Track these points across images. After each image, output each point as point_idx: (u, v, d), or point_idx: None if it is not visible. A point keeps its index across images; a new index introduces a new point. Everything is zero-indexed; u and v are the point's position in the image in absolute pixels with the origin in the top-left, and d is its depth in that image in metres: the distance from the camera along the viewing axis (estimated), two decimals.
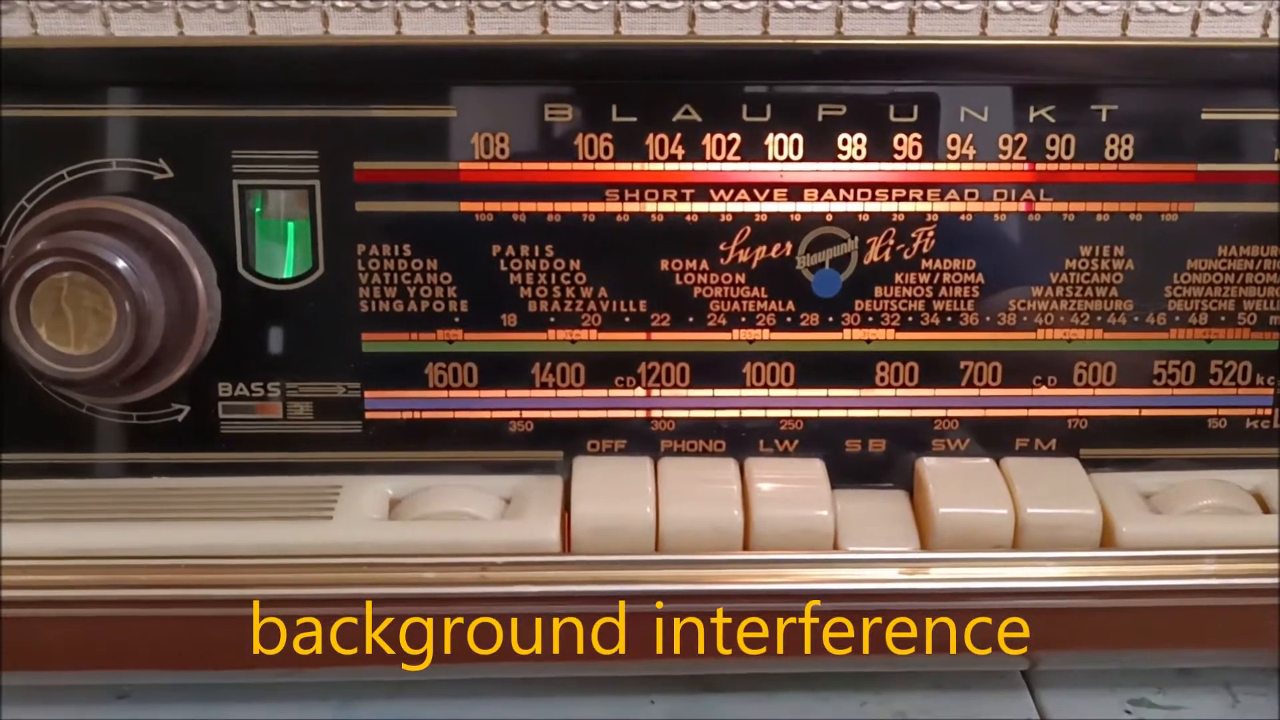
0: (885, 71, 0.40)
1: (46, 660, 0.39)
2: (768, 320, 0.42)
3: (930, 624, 0.40)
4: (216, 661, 0.40)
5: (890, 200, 0.41)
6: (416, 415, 0.42)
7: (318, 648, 0.39)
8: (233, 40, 0.39)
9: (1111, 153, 0.41)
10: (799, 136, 0.40)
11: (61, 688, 0.42)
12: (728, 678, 0.42)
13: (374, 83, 0.39)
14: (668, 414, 0.42)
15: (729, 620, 0.39)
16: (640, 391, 0.42)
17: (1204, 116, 0.41)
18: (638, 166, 0.40)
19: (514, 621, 0.39)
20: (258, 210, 0.40)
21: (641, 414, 0.42)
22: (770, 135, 0.40)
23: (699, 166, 0.40)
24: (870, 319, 0.42)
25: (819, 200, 0.41)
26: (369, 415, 0.42)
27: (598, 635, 0.39)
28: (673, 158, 0.40)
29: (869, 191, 0.41)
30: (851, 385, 0.42)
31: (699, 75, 0.40)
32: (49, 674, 0.40)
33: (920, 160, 0.41)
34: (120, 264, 0.37)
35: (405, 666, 0.40)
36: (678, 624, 0.39)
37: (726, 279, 0.41)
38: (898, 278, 0.41)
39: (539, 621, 0.39)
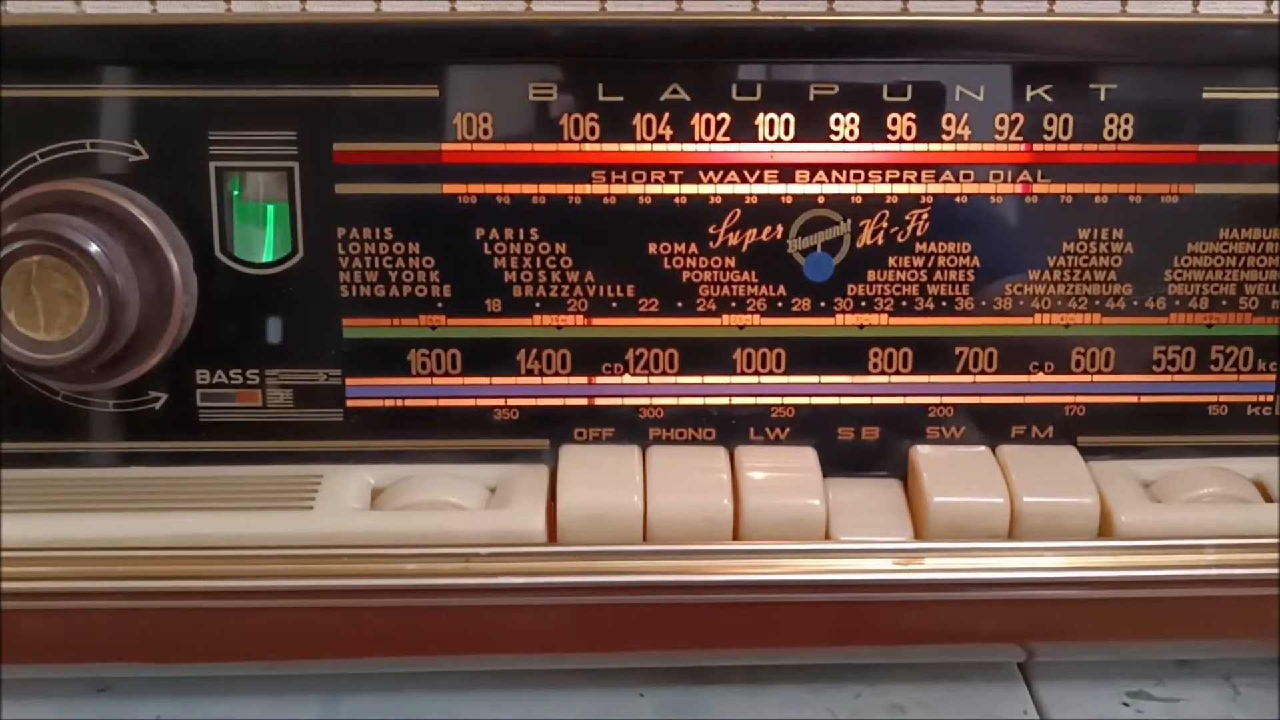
0: (879, 49, 0.39)
1: (22, 654, 0.39)
2: (758, 305, 0.41)
3: (925, 615, 0.39)
4: (195, 654, 0.39)
5: (884, 182, 0.40)
6: (399, 403, 0.41)
7: (299, 640, 0.39)
8: (208, 18, 0.38)
9: (1110, 133, 0.40)
10: (790, 116, 0.40)
11: (39, 681, 0.41)
12: (718, 670, 0.42)
13: (354, 61, 0.39)
14: (656, 401, 0.41)
15: (719, 612, 0.39)
16: (628, 378, 0.41)
17: (1205, 96, 0.40)
18: (625, 147, 0.40)
19: (499, 613, 0.38)
20: (235, 193, 0.40)
21: (629, 401, 0.41)
22: (761, 115, 0.40)
23: (687, 147, 0.40)
24: (863, 303, 0.41)
25: (810, 182, 0.40)
26: (350, 403, 0.41)
27: (585, 627, 0.39)
28: (660, 138, 0.40)
29: (862, 173, 0.40)
30: (844, 371, 0.41)
31: (687, 53, 0.39)
32: (25, 668, 0.39)
33: (914, 141, 0.40)
34: (93, 247, 0.36)
35: (389, 659, 0.40)
36: (667, 615, 0.39)
37: (716, 263, 0.40)
38: (891, 261, 0.41)
39: (524, 613, 0.38)
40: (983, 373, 0.42)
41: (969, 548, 0.39)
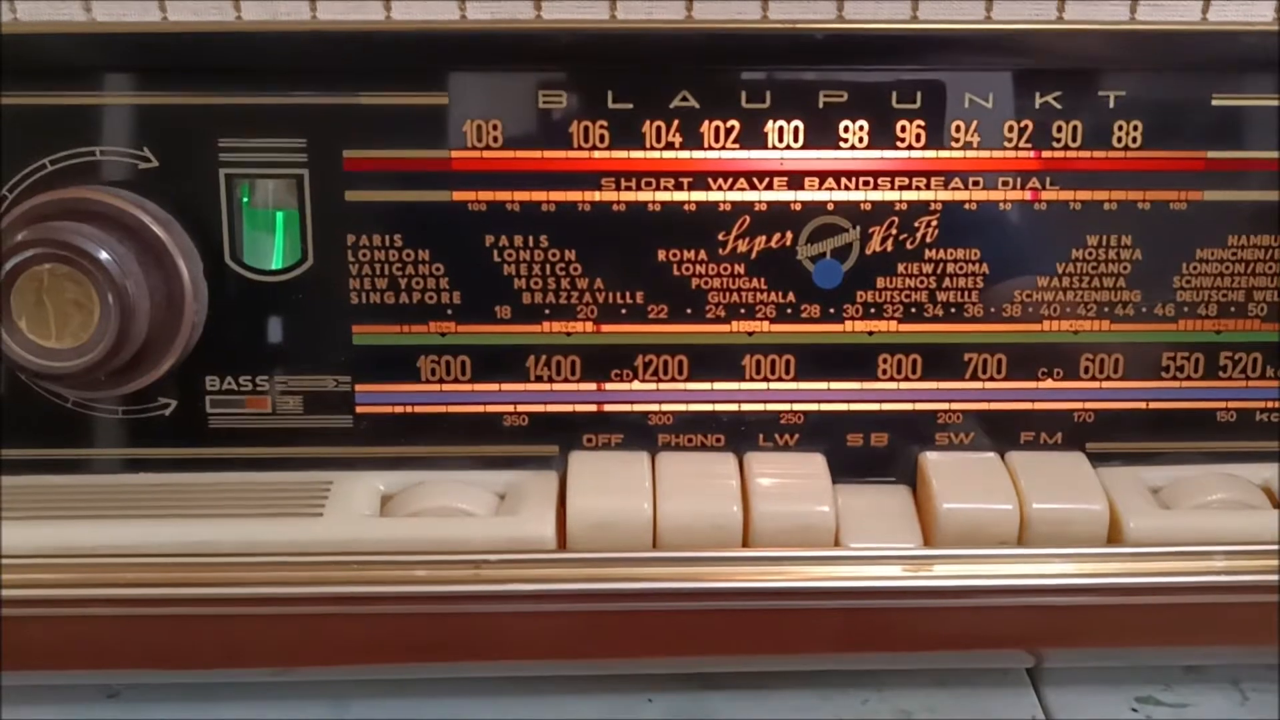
0: (888, 56, 0.39)
1: (34, 660, 0.39)
2: (767, 311, 0.41)
3: (934, 621, 0.39)
4: (206, 661, 0.39)
5: (893, 189, 0.40)
6: (408, 409, 0.41)
7: (308, 646, 0.39)
8: (218, 25, 0.38)
9: (1119, 140, 0.40)
10: (799, 123, 0.40)
11: (50, 687, 0.41)
12: (727, 675, 0.42)
13: (363, 69, 0.39)
14: (665, 407, 0.41)
15: (728, 618, 0.39)
16: (637, 384, 0.41)
17: (1214, 102, 0.40)
18: (634, 154, 0.40)
19: (509, 620, 0.38)
20: (245, 200, 0.40)
21: (639, 407, 0.41)
22: (770, 122, 0.40)
23: (697, 154, 0.40)
24: (872, 310, 0.41)
25: (820, 189, 0.40)
26: (360, 409, 0.41)
27: (594, 633, 0.39)
28: (670, 145, 0.40)
29: (871, 180, 0.40)
30: (853, 378, 0.41)
31: (697, 60, 0.39)
32: (37, 674, 0.39)
33: (923, 148, 0.40)
34: (103, 255, 0.36)
35: (398, 665, 0.40)
36: (676, 622, 0.39)
37: (725, 269, 0.40)
38: (900, 268, 0.41)
39: (534, 619, 0.38)
40: (991, 379, 0.42)
41: (978, 554, 0.39)
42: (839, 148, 0.40)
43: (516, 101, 0.39)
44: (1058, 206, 0.40)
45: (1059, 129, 0.40)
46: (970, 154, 0.40)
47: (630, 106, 0.39)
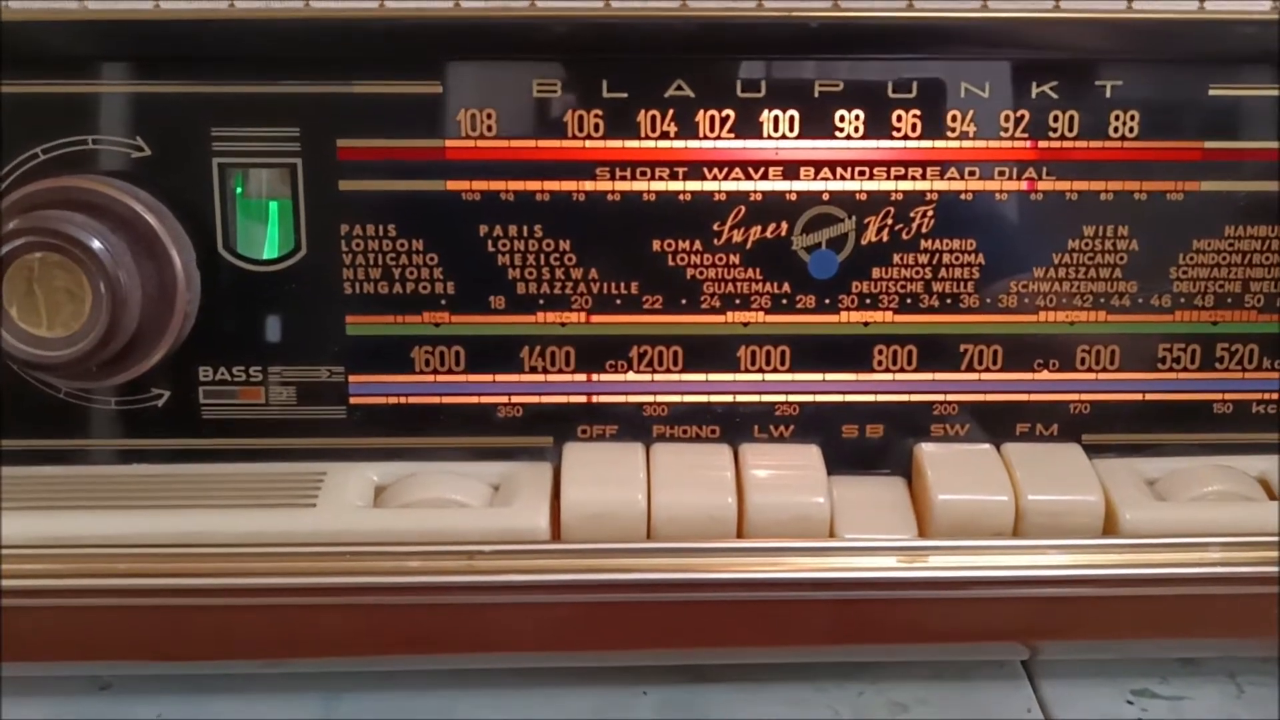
0: (884, 46, 0.39)
1: (24, 652, 0.39)
2: (762, 302, 0.41)
3: (929, 613, 0.39)
4: (199, 651, 0.39)
5: (889, 179, 0.40)
6: (402, 400, 0.41)
7: (301, 637, 0.38)
8: (211, 14, 0.38)
9: (1115, 130, 0.40)
10: (795, 113, 0.39)
11: (41, 679, 0.41)
12: (721, 668, 0.42)
13: (357, 57, 0.39)
14: (660, 399, 0.41)
15: (723, 610, 0.39)
16: (632, 375, 0.41)
17: (1211, 93, 0.40)
18: (629, 144, 0.39)
19: (502, 611, 0.38)
20: (238, 189, 0.39)
21: (633, 399, 0.41)
22: (765, 112, 0.39)
23: (692, 144, 0.40)
24: (868, 301, 0.41)
25: (815, 179, 0.40)
26: (354, 400, 0.41)
27: (588, 625, 0.39)
28: (665, 135, 0.39)
29: (867, 170, 0.40)
30: (848, 369, 0.41)
31: (691, 50, 0.39)
32: (27, 665, 0.39)
33: (919, 138, 0.40)
34: (95, 244, 0.36)
35: (391, 656, 0.40)
36: (671, 614, 0.38)
37: (720, 260, 0.40)
38: (896, 258, 0.41)
39: (528, 611, 0.38)
40: (987, 370, 0.41)
41: (973, 545, 0.39)
42: (834, 137, 0.40)
43: (511, 90, 0.39)
44: (1054, 197, 0.40)
45: (1055, 119, 0.40)
46: (966, 144, 0.40)
47: (625, 96, 0.39)
